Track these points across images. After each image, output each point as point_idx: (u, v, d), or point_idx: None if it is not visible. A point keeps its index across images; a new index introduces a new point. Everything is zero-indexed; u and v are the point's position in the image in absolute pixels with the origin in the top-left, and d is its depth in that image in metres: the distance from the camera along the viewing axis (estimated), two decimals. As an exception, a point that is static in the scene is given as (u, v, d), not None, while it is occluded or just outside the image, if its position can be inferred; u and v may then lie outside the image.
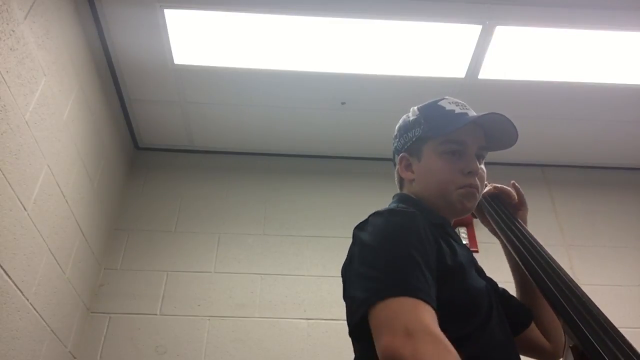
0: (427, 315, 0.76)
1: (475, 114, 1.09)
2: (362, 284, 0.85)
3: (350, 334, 0.91)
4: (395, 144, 1.19)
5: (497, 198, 1.20)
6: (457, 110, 1.09)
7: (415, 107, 1.17)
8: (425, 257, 0.86)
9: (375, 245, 0.89)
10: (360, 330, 0.83)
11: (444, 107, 1.11)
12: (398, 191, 1.18)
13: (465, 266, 0.96)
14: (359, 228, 0.96)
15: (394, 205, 1.08)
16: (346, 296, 0.94)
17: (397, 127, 1.20)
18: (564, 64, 2.44)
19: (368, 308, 0.79)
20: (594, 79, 2.50)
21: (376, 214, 0.97)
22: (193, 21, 2.21)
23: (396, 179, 1.20)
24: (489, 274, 1.11)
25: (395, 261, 0.84)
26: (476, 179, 1.06)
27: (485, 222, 1.22)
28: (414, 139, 1.12)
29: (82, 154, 2.18)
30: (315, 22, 2.21)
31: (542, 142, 2.91)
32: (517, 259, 1.07)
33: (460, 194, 1.05)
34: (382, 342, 0.73)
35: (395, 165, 1.19)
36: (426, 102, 1.16)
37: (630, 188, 3.08)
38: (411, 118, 1.15)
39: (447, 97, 1.14)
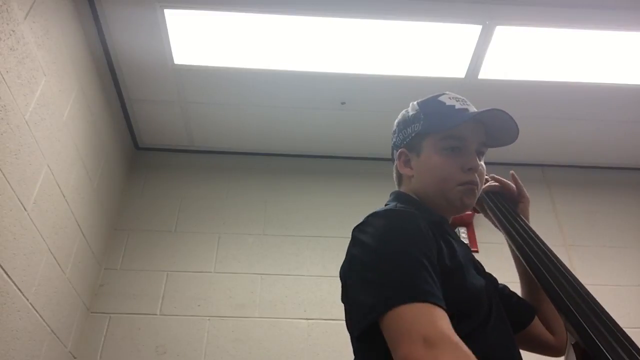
0: (444, 322, 0.75)
1: (475, 110, 1.09)
2: (370, 289, 0.83)
3: (357, 338, 0.88)
4: (394, 140, 1.17)
5: (498, 194, 1.20)
6: (458, 105, 1.08)
7: (415, 102, 1.15)
8: (430, 257, 0.86)
9: (379, 248, 0.88)
10: (367, 335, 0.82)
11: (444, 103, 1.10)
12: (396, 188, 1.17)
13: (464, 265, 0.96)
14: (358, 230, 0.94)
15: (392, 204, 1.06)
16: (350, 300, 0.92)
17: (396, 122, 1.19)
18: (564, 64, 2.44)
19: (380, 315, 0.78)
20: (594, 79, 2.50)
21: (375, 214, 0.96)
22: (193, 21, 2.21)
23: (394, 174, 1.19)
24: (489, 274, 1.11)
25: (402, 265, 0.83)
26: (476, 175, 1.05)
27: (488, 216, 1.22)
28: (413, 135, 1.11)
29: (82, 154, 2.18)
30: (315, 22, 2.21)
31: (542, 142, 2.91)
32: (518, 254, 1.07)
33: (460, 190, 1.04)
34: (401, 351, 0.72)
35: (394, 160, 1.18)
36: (426, 97, 1.15)
37: (630, 188, 3.08)
38: (410, 113, 1.14)
39: (447, 92, 1.13)
